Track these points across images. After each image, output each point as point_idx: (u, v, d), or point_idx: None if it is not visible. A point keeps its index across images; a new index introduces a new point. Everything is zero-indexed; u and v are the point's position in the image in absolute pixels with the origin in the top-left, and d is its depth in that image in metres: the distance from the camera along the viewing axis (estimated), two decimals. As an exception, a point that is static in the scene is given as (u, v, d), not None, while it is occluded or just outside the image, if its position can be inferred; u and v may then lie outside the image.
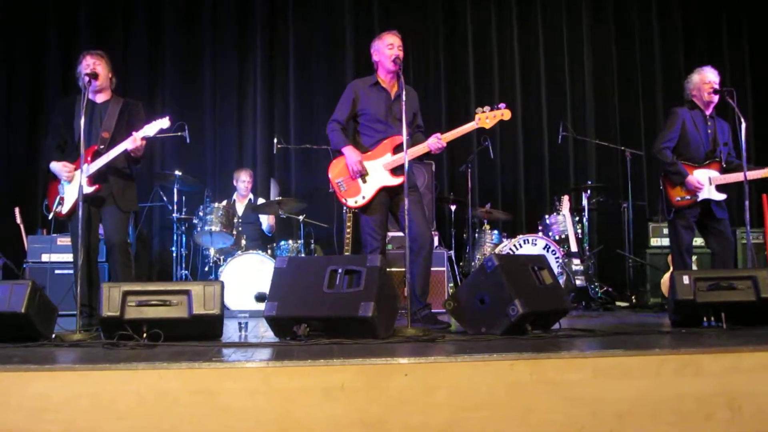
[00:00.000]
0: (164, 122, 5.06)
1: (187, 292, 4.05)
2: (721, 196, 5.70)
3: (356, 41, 8.92)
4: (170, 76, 8.89)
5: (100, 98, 5.24)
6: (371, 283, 3.94)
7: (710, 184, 5.71)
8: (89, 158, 4.97)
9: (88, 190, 4.95)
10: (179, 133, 7.17)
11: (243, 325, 4.62)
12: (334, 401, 2.96)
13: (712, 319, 4.40)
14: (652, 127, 9.20)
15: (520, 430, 3.02)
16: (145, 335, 3.92)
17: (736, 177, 5.55)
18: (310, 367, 3.00)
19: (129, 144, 4.97)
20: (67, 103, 5.26)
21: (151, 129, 5.03)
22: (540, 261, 4.52)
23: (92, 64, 5.12)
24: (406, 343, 3.86)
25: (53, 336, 4.24)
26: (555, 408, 3.05)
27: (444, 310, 4.50)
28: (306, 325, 3.92)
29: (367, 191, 5.02)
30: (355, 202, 5.04)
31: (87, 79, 4.90)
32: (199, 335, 4.03)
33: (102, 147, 5.06)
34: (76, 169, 5.07)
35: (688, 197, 5.71)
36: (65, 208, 5.15)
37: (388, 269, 6.27)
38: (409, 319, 4.25)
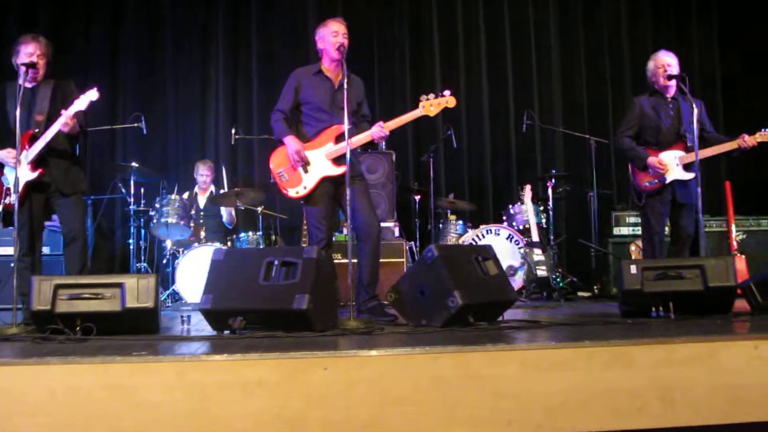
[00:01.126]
0: (93, 94, 4.89)
1: (120, 285, 3.95)
2: (689, 176, 5.65)
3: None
4: (131, 67, 8.79)
5: (32, 83, 5.11)
6: (307, 275, 3.86)
7: (678, 164, 5.68)
8: (27, 145, 4.89)
9: (32, 175, 4.89)
10: (135, 125, 7.07)
11: (185, 319, 4.54)
12: (253, 396, 2.88)
13: (661, 308, 4.33)
14: (620, 115, 9.11)
15: (445, 426, 2.95)
16: (78, 329, 3.83)
17: (702, 154, 5.50)
18: (226, 361, 2.92)
19: (61, 124, 4.84)
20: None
21: (81, 103, 4.88)
22: (485, 251, 4.45)
23: (33, 54, 5.00)
24: (343, 336, 3.77)
25: (-12, 331, 4.16)
26: (481, 402, 2.97)
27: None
28: (242, 318, 3.83)
29: (308, 181, 4.92)
30: (297, 193, 4.94)
31: (24, 69, 4.80)
32: (134, 329, 3.95)
33: (37, 131, 4.95)
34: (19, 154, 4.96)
35: (656, 181, 5.69)
36: (14, 199, 5.02)
37: (337, 261, 6.21)
38: (353, 312, 4.17)
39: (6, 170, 5.08)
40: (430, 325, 4.00)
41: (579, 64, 9.36)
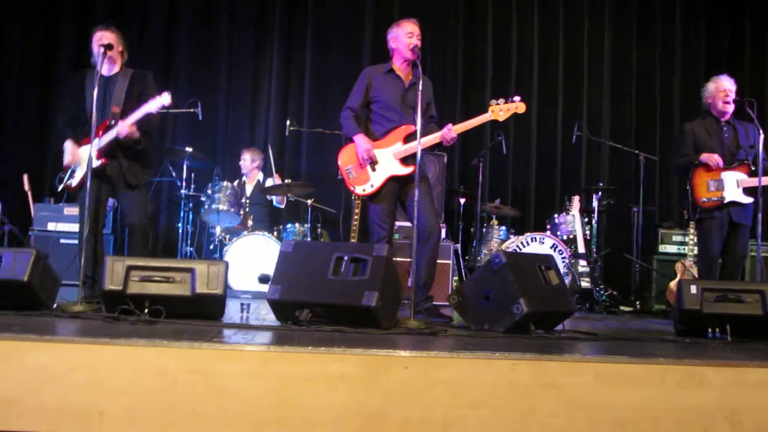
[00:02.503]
0: (165, 98, 5.01)
1: (191, 270, 4.03)
2: (748, 200, 5.68)
3: (375, 27, 8.85)
4: (186, 54, 8.86)
5: (110, 71, 5.23)
6: (377, 273, 3.91)
7: (738, 186, 5.69)
8: (101, 132, 5.01)
9: (96, 163, 4.95)
10: (192, 110, 7.15)
11: (245, 307, 4.60)
12: (334, 390, 2.93)
13: (717, 330, 4.34)
14: (668, 131, 9.14)
15: None
16: (146, 311, 3.90)
17: (766, 180, 5.51)
18: (310, 354, 2.97)
19: (119, 130, 4.99)
20: (77, 79, 5.26)
21: (152, 106, 5.01)
22: (548, 261, 4.48)
23: (104, 37, 5.11)
24: (408, 335, 3.82)
25: (54, 306, 4.24)
26: (555, 411, 3.01)
27: (447, 303, 4.47)
28: (309, 310, 3.90)
29: (375, 180, 4.98)
30: (363, 190, 5.00)
31: (102, 49, 4.89)
32: (201, 314, 4.03)
33: (113, 122, 5.05)
34: (81, 146, 5.16)
35: (715, 198, 5.70)
36: (75, 181, 5.21)
37: (393, 259, 6.30)
38: (413, 311, 4.21)
39: (81, 150, 5.19)
40: (493, 330, 4.04)
41: (630, 78, 9.36)
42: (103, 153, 5.02)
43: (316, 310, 3.93)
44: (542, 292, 4.20)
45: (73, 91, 5.21)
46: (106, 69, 5.17)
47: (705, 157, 5.74)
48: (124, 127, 4.97)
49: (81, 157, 5.11)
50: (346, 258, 4.03)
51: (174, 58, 8.87)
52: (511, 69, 9.20)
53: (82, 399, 2.90)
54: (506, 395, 3.00)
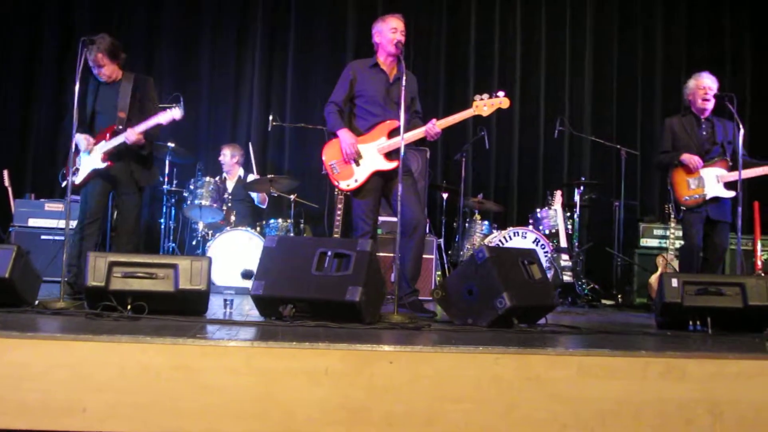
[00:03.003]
0: (177, 113, 5.28)
1: (174, 266, 4.02)
2: (730, 194, 5.75)
3: (358, 22, 8.85)
4: (168, 48, 8.84)
5: (112, 79, 5.38)
6: (360, 268, 3.91)
7: (718, 182, 5.75)
8: (108, 135, 5.24)
9: (101, 165, 5.24)
10: (173, 105, 7.09)
11: (228, 302, 4.57)
12: (318, 385, 2.93)
13: (698, 323, 4.37)
14: (649, 126, 9.20)
15: (501, 425, 3.00)
16: (129, 307, 3.88)
17: (744, 174, 5.56)
18: (294, 349, 2.97)
19: (127, 136, 5.18)
20: (84, 84, 5.35)
21: (163, 118, 5.27)
22: (530, 255, 4.50)
23: (96, 60, 5.22)
24: (392, 329, 3.82)
25: (36, 302, 4.22)
26: (538, 405, 3.02)
27: (430, 298, 4.48)
28: (292, 306, 3.90)
29: (360, 174, 4.98)
30: (348, 185, 5.01)
31: (97, 69, 5.21)
32: (184, 310, 4.01)
33: (120, 127, 5.25)
34: (96, 143, 5.31)
35: (696, 196, 5.78)
36: (78, 179, 5.34)
37: (377, 254, 6.32)
38: (396, 306, 4.21)
39: (82, 154, 5.36)
40: (476, 325, 4.06)
41: (612, 73, 9.42)
42: (109, 156, 5.25)
43: (299, 305, 3.92)
44: (525, 287, 4.22)
45: (81, 98, 5.28)
46: (106, 78, 5.33)
47: (686, 158, 5.81)
48: (133, 134, 5.18)
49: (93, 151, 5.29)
50: (329, 253, 4.03)
51: (156, 51, 8.82)
52: (493, 64, 9.23)
53: (65, 395, 2.88)
54: (490, 389, 3.02)
